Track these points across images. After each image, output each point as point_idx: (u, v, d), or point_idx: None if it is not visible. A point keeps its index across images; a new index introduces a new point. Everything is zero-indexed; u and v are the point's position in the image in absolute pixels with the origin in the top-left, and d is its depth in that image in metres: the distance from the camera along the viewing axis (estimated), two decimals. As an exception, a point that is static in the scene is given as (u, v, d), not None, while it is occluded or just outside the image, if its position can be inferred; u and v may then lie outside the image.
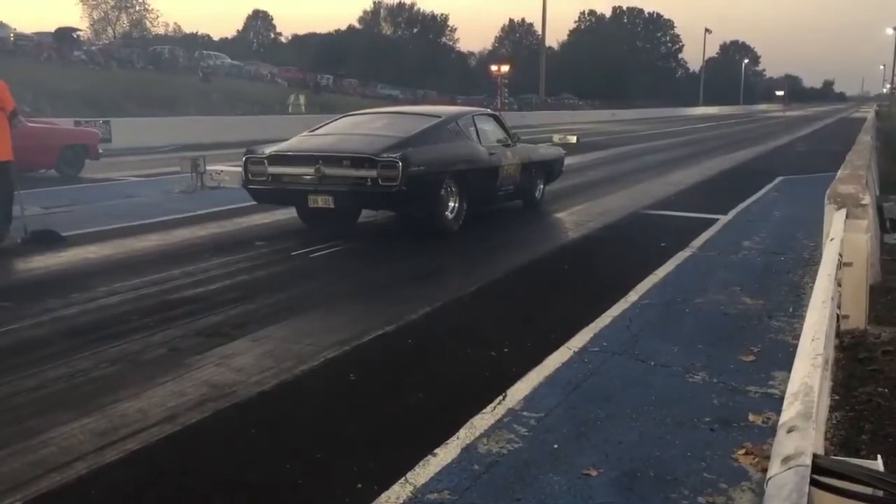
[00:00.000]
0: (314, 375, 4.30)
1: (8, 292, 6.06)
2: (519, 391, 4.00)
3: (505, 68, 53.36)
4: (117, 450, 3.35)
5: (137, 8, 72.24)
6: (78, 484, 3.08)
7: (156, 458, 3.32)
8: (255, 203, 9.04)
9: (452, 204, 8.53)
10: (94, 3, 69.63)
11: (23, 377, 4.17)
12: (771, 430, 3.29)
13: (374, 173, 7.70)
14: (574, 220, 10.03)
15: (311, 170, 7.97)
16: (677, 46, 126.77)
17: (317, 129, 9.39)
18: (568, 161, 12.34)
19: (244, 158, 8.47)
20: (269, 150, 8.44)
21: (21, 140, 11.41)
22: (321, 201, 8.00)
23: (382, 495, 2.97)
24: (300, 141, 8.86)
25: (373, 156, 7.76)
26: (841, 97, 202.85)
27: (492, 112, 11.44)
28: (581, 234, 8.97)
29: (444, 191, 8.35)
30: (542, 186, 10.88)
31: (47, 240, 7.81)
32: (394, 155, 7.68)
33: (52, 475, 3.12)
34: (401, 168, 7.57)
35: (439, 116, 9.32)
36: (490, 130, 9.70)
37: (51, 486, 3.05)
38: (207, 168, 12.40)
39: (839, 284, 3.86)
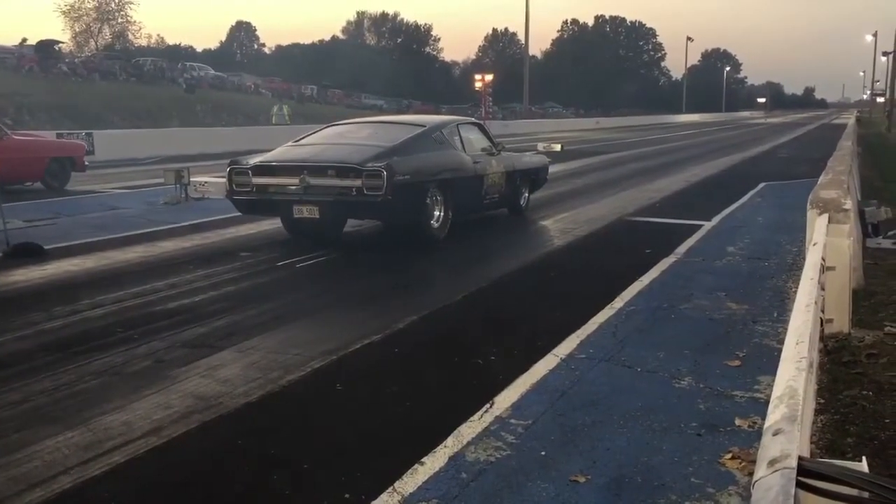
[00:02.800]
0: (301, 386, 4.28)
1: (-10, 306, 6.01)
2: (506, 399, 4.00)
3: (489, 78, 53.50)
4: (102, 463, 3.32)
5: (120, 20, 71.89)
6: (62, 498, 3.05)
7: (141, 471, 3.29)
8: (239, 214, 9.00)
9: (438, 213, 8.54)
10: (76, 15, 69.23)
11: (6, 391, 4.13)
12: (757, 435, 3.30)
13: (359, 183, 7.70)
14: (560, 227, 10.05)
15: (296, 180, 7.96)
16: (660, 55, 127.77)
17: (301, 139, 9.37)
18: (553, 169, 12.39)
19: (228, 169, 8.44)
20: (253, 160, 8.43)
21: (8, 153, 11.37)
22: (306, 211, 7.98)
23: (370, 505, 2.96)
24: (285, 151, 8.84)
25: (358, 165, 7.75)
26: (822, 104, 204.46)
27: (476, 121, 11.47)
28: (566, 242, 9.00)
29: (430, 200, 8.36)
30: (527, 194, 10.91)
31: (30, 253, 7.75)
32: (378, 164, 7.68)
33: (35, 490, 3.09)
34: (385, 177, 7.57)
35: (423, 126, 9.32)
36: (474, 139, 9.72)
37: (34, 501, 3.02)
38: (192, 179, 12.35)
39: (822, 289, 3.89)
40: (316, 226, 8.42)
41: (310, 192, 7.93)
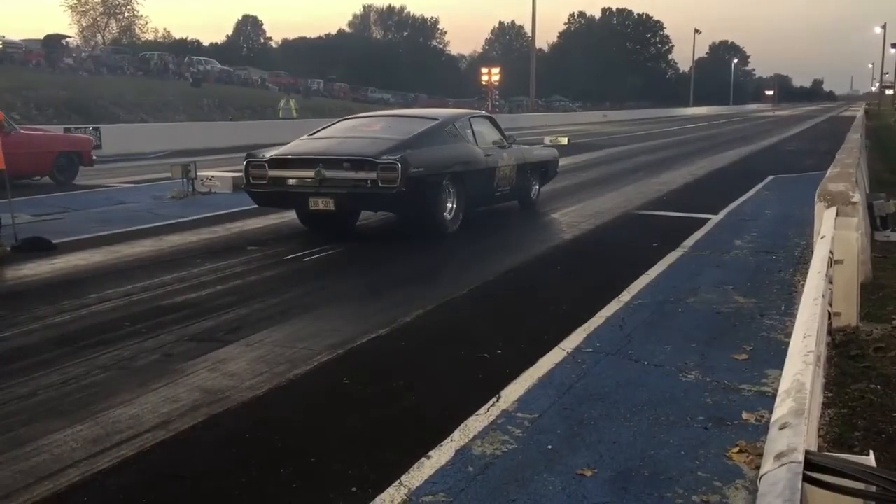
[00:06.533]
0: (307, 379, 4.29)
1: (-1, 300, 6.03)
2: (513, 392, 4.00)
3: (495, 71, 53.44)
4: (110, 457, 3.33)
5: (126, 14, 72.12)
6: (70, 491, 3.06)
7: (149, 465, 3.30)
8: (246, 208, 9.03)
9: (450, 205, 8.58)
10: (84, 10, 69.55)
11: (14, 385, 4.15)
12: (764, 428, 3.30)
13: (374, 175, 7.75)
14: (567, 220, 10.04)
15: (311, 172, 8.02)
16: (667, 47, 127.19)
17: (316, 132, 9.43)
18: (561, 162, 12.38)
19: (245, 162, 8.53)
20: (269, 153, 8.49)
21: (16, 147, 11.41)
22: (322, 203, 8.04)
23: (377, 498, 2.97)
24: (300, 144, 8.91)
25: (373, 158, 7.80)
26: (830, 96, 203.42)
27: (487, 114, 11.50)
28: (574, 235, 8.99)
29: (443, 192, 8.40)
30: (537, 187, 10.93)
31: (38, 247, 7.78)
32: (393, 157, 7.73)
33: (44, 483, 3.11)
34: (400, 170, 7.62)
35: (437, 119, 9.37)
36: (486, 132, 9.75)
37: (43, 494, 3.03)
38: (198, 174, 12.38)
39: (830, 282, 3.87)
40: (331, 218, 8.48)
41: (325, 184, 7.99)
